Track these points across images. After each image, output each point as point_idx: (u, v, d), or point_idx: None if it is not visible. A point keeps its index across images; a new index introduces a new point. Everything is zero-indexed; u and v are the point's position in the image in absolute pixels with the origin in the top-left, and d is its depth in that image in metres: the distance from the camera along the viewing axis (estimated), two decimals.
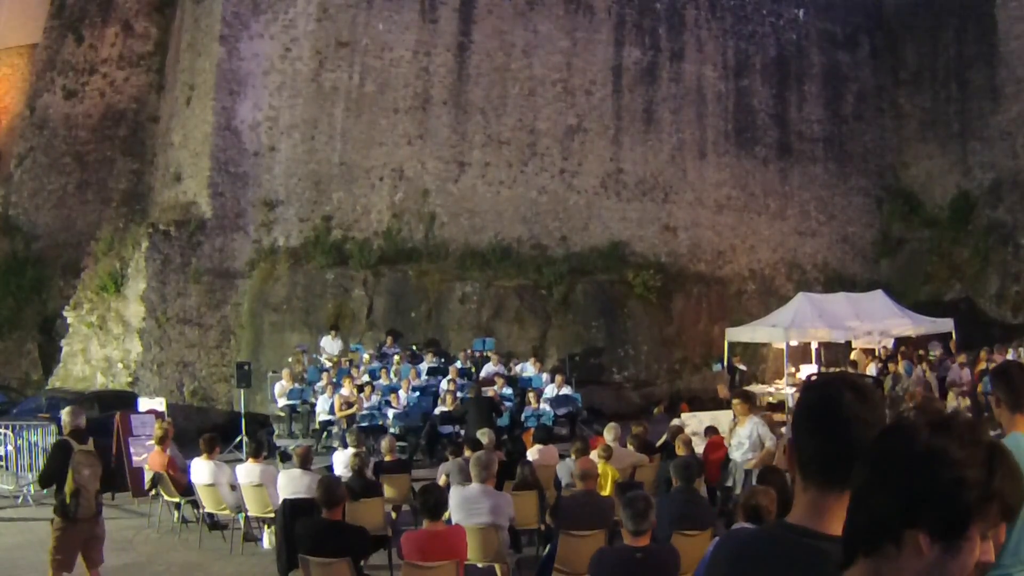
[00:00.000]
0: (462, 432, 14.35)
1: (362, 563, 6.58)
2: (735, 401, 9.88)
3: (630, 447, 10.68)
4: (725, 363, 20.60)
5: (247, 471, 9.67)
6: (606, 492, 8.62)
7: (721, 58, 24.90)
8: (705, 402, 19.42)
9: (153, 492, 11.23)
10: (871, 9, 27.20)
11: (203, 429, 14.75)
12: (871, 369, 18.31)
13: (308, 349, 19.27)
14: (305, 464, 8.88)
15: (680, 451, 9.11)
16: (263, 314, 20.44)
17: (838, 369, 17.90)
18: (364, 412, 15.39)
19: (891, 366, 18.12)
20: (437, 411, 15.89)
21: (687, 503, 7.01)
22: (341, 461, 10.42)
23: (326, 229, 21.26)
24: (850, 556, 1.36)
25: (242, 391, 16.39)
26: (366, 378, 16.92)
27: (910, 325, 19.68)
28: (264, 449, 10.78)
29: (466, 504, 7.04)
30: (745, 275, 24.50)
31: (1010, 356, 16.65)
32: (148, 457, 11.44)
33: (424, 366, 18.02)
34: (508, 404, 16.11)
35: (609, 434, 10.08)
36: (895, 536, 1.29)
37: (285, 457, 13.97)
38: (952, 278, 23.99)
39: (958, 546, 1.27)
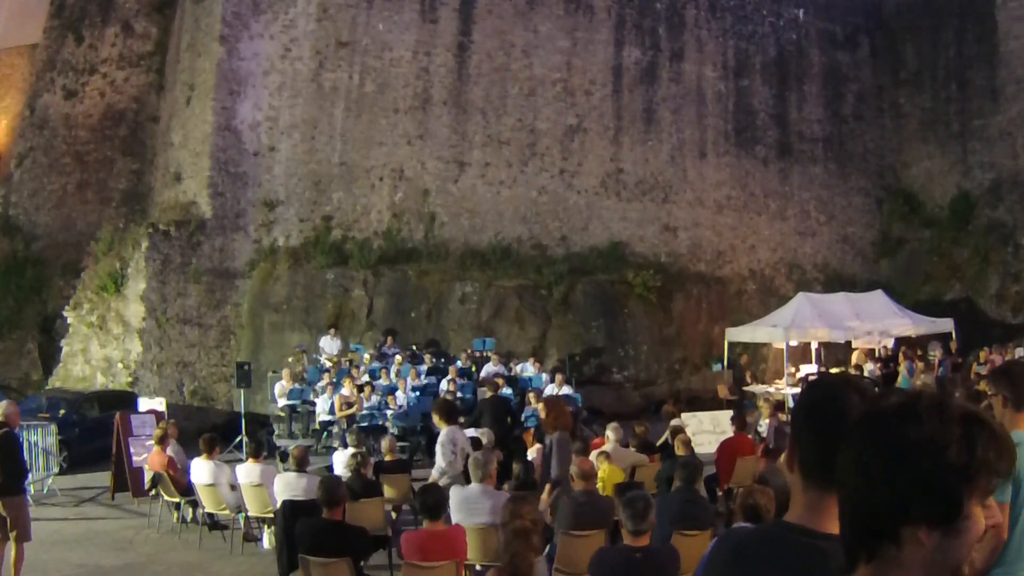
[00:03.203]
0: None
1: (362, 563, 6.58)
2: (434, 415, 9.22)
3: (632, 447, 10.66)
4: (726, 363, 20.61)
5: (247, 471, 9.66)
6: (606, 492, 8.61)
7: (721, 58, 24.91)
8: (705, 402, 19.42)
9: (153, 492, 11.23)
10: (871, 9, 27.21)
11: (203, 429, 14.74)
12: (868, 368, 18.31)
13: (308, 349, 19.27)
14: (301, 467, 8.87)
15: (680, 451, 9.10)
16: (263, 314, 20.44)
17: (839, 369, 17.92)
18: (364, 412, 15.38)
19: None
20: None
21: (687, 503, 7.00)
22: (341, 461, 10.41)
23: (326, 229, 21.26)
24: (852, 561, 1.33)
25: (242, 391, 16.37)
26: (366, 378, 16.92)
27: (910, 325, 19.68)
28: (264, 449, 10.78)
29: (466, 504, 7.04)
30: (745, 275, 24.50)
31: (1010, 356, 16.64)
32: (148, 457, 11.44)
33: (424, 366, 18.01)
34: None
35: (612, 434, 10.07)
36: (892, 536, 1.26)
37: (285, 457, 13.95)
38: (952, 278, 24.00)
39: (958, 527, 1.23)
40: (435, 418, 8.91)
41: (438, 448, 8.50)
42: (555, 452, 8.06)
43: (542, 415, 8.66)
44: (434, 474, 8.28)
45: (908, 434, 1.25)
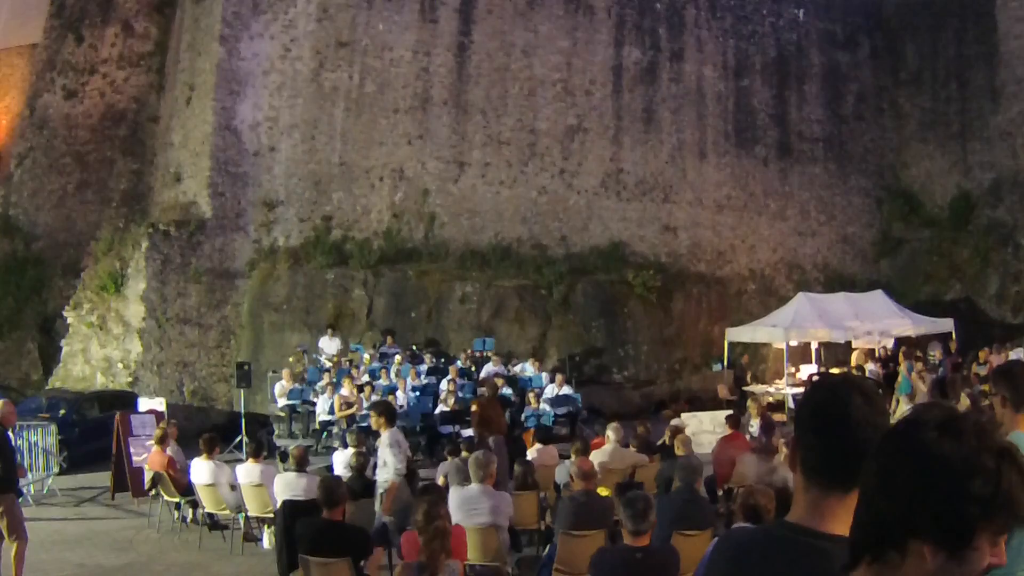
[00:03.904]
0: (461, 432, 14.34)
1: (362, 563, 6.57)
2: (372, 415, 8.70)
3: (632, 447, 10.67)
4: (726, 363, 20.62)
5: (247, 471, 9.67)
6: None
7: (721, 58, 24.90)
8: (705, 402, 19.43)
9: (153, 492, 11.24)
10: (871, 9, 27.20)
11: (203, 429, 14.75)
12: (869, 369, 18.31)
13: (308, 349, 19.27)
14: (301, 467, 8.87)
15: (680, 451, 9.11)
16: (263, 314, 20.44)
17: (840, 369, 17.93)
18: (364, 412, 15.38)
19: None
20: (437, 411, 15.90)
21: (687, 503, 7.01)
22: (341, 461, 10.41)
23: (326, 229, 21.26)
24: (855, 559, 1.33)
25: (242, 391, 16.38)
26: (366, 378, 16.93)
27: (910, 325, 19.68)
28: (264, 449, 10.79)
29: (466, 504, 7.04)
30: (745, 275, 24.50)
31: (1012, 356, 16.63)
32: (148, 457, 11.45)
33: (424, 366, 18.02)
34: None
35: (612, 434, 10.08)
36: (899, 544, 1.26)
37: (285, 457, 13.96)
38: (952, 278, 23.99)
39: (964, 555, 1.22)
40: (378, 420, 8.41)
41: (387, 451, 8.18)
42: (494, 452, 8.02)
43: (474, 417, 8.48)
44: (393, 477, 8.16)
45: (942, 449, 1.23)
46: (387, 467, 8.17)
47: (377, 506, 8.36)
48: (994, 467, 1.22)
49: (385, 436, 8.30)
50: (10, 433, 8.49)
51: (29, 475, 12.78)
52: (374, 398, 15.79)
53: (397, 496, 8.03)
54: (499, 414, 8.35)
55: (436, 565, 4.91)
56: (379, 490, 8.33)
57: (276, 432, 17.11)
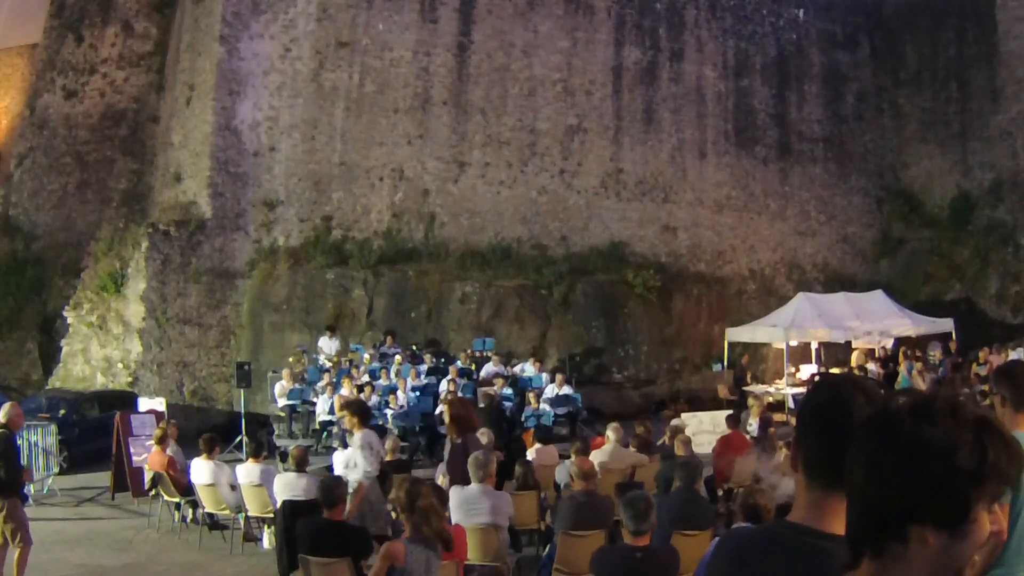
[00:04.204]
0: None
1: (362, 563, 6.58)
2: (346, 414, 8.53)
3: (632, 447, 10.67)
4: (726, 363, 20.63)
5: (247, 471, 9.67)
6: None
7: (721, 58, 24.90)
8: (705, 402, 19.44)
9: (153, 492, 11.24)
10: (871, 9, 27.21)
11: (203, 429, 14.75)
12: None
13: (308, 349, 19.27)
14: (301, 467, 8.87)
15: (680, 451, 9.12)
16: (263, 314, 20.44)
17: (840, 370, 17.94)
18: None
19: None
20: (437, 411, 15.89)
21: (687, 503, 7.01)
22: (341, 461, 10.40)
23: (326, 229, 21.26)
24: (856, 556, 1.34)
25: (242, 391, 16.39)
26: (366, 378, 16.93)
27: (910, 325, 19.69)
28: (264, 449, 10.79)
29: (466, 504, 7.04)
30: (745, 275, 24.50)
31: (1012, 356, 16.64)
32: (148, 457, 11.45)
33: (424, 366, 18.02)
34: (508, 404, 16.13)
35: (612, 434, 10.09)
36: (898, 533, 1.27)
37: (285, 457, 13.96)
38: (952, 278, 23.99)
39: (964, 529, 1.24)
40: (351, 420, 8.17)
41: (358, 452, 8.00)
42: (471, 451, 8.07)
43: (446, 418, 8.41)
44: (362, 479, 8.11)
45: (921, 434, 1.25)
46: (357, 468, 8.11)
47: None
48: (974, 438, 1.24)
49: (358, 437, 8.12)
50: None
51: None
52: (374, 398, 15.82)
53: (365, 498, 8.01)
54: (470, 412, 8.31)
55: (446, 534, 4.95)
56: (349, 490, 8.30)
57: (276, 432, 17.11)
